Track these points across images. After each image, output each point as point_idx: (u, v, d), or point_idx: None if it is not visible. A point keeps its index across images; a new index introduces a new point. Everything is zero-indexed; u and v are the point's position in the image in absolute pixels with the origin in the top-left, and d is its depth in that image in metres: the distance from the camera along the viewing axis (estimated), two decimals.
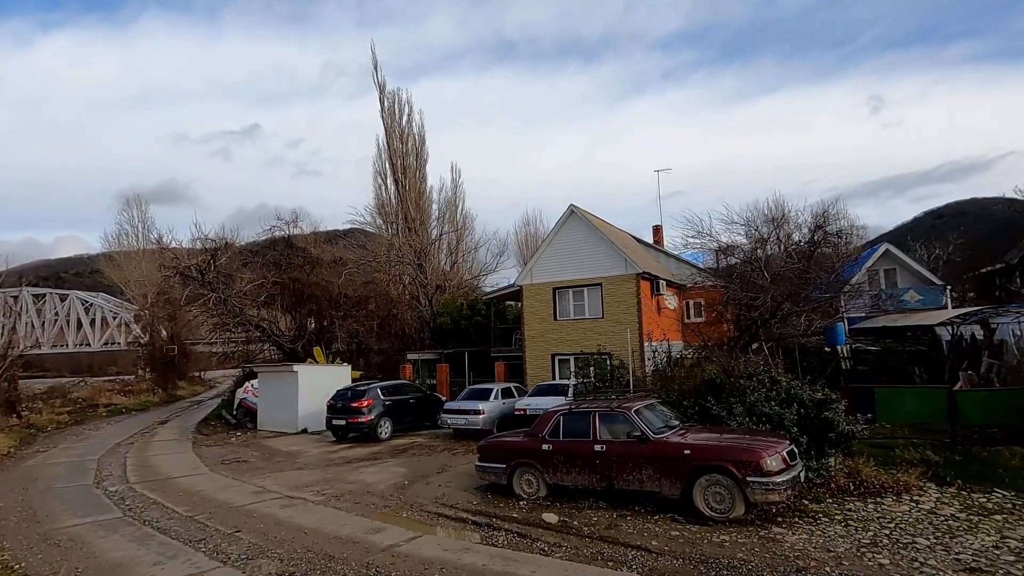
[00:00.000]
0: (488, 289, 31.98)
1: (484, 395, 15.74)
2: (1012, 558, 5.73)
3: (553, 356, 20.44)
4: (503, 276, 37.63)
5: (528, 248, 44.25)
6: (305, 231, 30.17)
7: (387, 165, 35.31)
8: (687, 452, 7.55)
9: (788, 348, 14.49)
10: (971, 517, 6.96)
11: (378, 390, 15.87)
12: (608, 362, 15.67)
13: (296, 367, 18.42)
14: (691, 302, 23.34)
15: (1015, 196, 30.71)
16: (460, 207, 38.70)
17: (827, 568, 5.71)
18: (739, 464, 7.10)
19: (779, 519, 7.20)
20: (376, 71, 34.98)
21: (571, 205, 20.50)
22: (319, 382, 17.86)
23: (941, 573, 5.49)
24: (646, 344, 18.70)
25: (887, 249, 25.85)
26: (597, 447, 8.25)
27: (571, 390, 14.82)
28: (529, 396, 15.83)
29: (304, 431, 17.49)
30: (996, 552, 5.90)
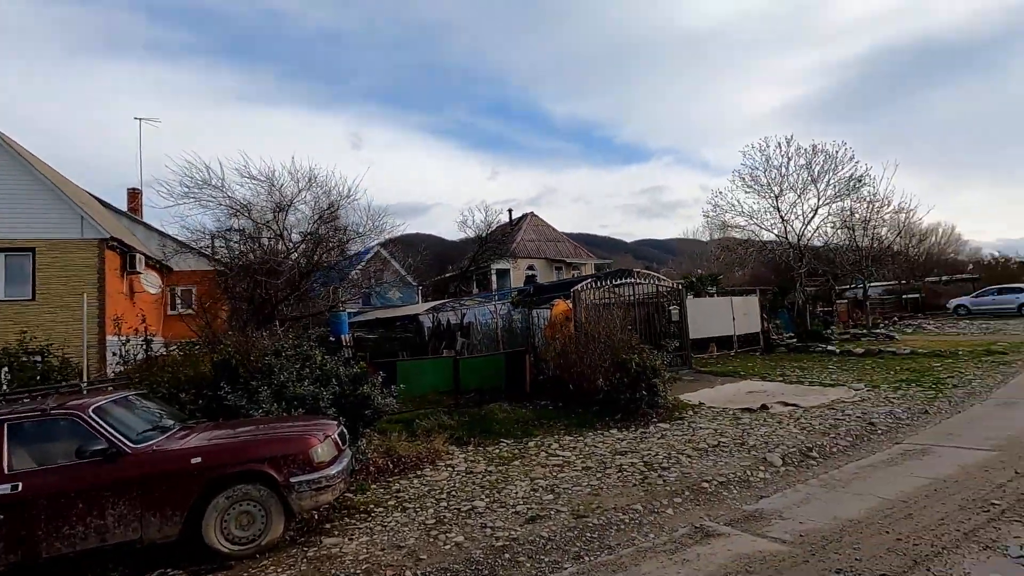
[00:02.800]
0: None
1: None
2: (551, 496, 5.83)
3: None
4: None
5: None
6: None
7: None
8: (197, 461, 4.76)
9: (300, 334, 13.04)
10: (499, 468, 7.07)
11: None
12: (40, 360, 10.18)
13: None
14: (180, 288, 18.89)
15: (443, 236, 41.66)
16: None
17: (407, 571, 4.28)
18: (281, 461, 4.90)
19: (327, 526, 5.39)
20: None
21: None
22: None
23: (512, 531, 4.94)
24: (113, 338, 13.53)
25: (379, 251, 28.43)
26: (4, 488, 4.33)
27: None
28: None
29: None
30: (536, 495, 5.92)
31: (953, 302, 30.98)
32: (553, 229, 36.34)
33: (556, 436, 8.56)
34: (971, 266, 43.95)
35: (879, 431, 7.88)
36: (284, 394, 7.10)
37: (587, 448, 7.74)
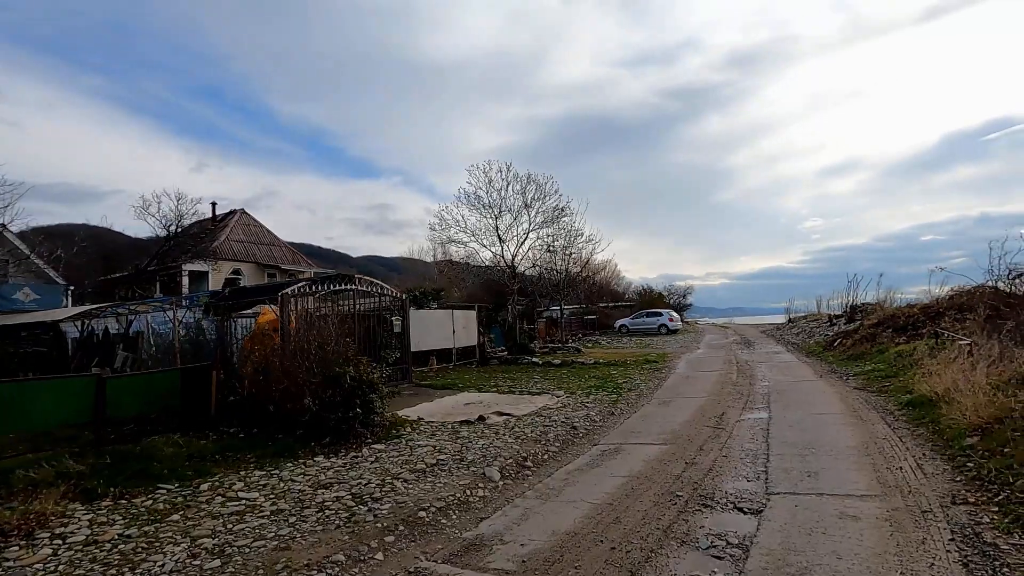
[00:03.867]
0: None
1: None
2: (217, 563, 4.21)
3: None
4: None
5: None
6: None
7: None
8: None
9: None
10: (145, 529, 5.02)
11: None
12: None
13: None
14: None
15: (123, 231, 33.92)
16: None
17: None
18: None
19: None
20: None
21: None
22: None
23: None
24: None
25: (1, 235, 20.85)
26: None
27: None
28: None
29: None
30: (195, 563, 4.22)
31: (618, 322, 38.23)
32: (268, 231, 32.36)
33: (243, 472, 6.74)
34: (627, 295, 55.56)
35: (580, 434, 8.39)
36: None
37: (282, 484, 6.20)
